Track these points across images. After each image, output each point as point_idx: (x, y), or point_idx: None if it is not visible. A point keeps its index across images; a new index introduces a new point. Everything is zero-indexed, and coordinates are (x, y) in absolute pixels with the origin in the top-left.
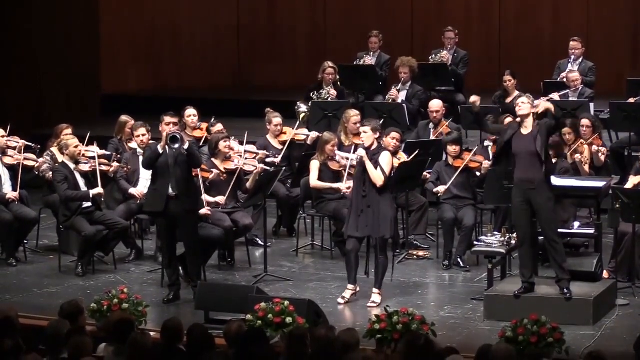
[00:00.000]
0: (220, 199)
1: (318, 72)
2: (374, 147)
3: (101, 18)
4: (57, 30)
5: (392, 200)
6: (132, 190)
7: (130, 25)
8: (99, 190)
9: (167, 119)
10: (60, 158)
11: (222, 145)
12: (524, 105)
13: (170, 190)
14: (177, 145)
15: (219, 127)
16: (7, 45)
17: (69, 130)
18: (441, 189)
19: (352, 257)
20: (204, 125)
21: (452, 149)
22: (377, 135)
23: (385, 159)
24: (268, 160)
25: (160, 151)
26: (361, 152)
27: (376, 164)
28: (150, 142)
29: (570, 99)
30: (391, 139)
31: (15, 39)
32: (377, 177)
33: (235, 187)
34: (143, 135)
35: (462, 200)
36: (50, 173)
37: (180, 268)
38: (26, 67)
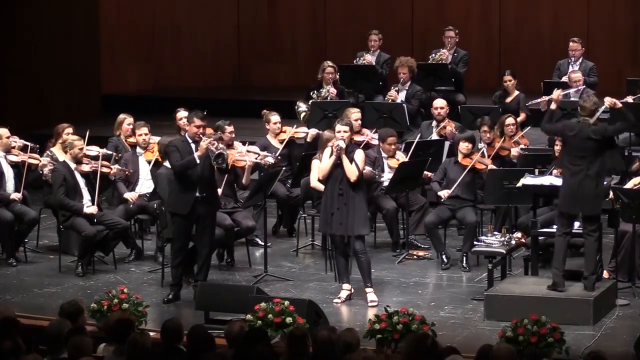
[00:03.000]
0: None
1: (318, 72)
2: (348, 145)
3: (101, 18)
4: (57, 30)
5: (366, 197)
6: (126, 195)
7: (130, 25)
8: (92, 209)
9: (198, 121)
10: (61, 157)
11: None
12: None
13: (198, 193)
14: (220, 161)
15: (231, 128)
16: (7, 45)
17: (70, 130)
18: (445, 193)
19: (339, 255)
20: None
21: (465, 145)
22: (351, 134)
23: (359, 156)
24: (267, 159)
25: (198, 161)
26: (341, 143)
27: (351, 161)
28: (173, 138)
29: (572, 99)
30: (388, 144)
31: (16, 39)
32: (352, 172)
33: (231, 184)
34: (145, 134)
35: (462, 201)
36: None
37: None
38: (26, 67)
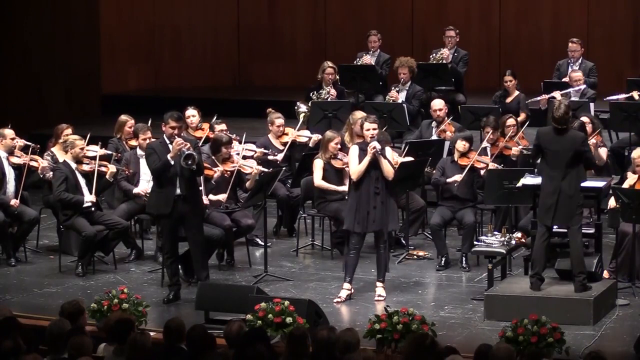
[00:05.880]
0: (222, 197)
1: (318, 72)
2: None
3: (101, 18)
4: (57, 30)
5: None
6: (136, 190)
7: (130, 25)
8: (92, 197)
9: (173, 122)
10: (61, 158)
11: (223, 150)
12: None
13: (178, 191)
14: (190, 162)
15: (222, 127)
16: (7, 45)
17: (69, 130)
18: (457, 177)
19: (355, 254)
20: (206, 125)
21: (462, 144)
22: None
23: (389, 153)
24: (270, 157)
25: (172, 162)
26: (376, 144)
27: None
28: (152, 141)
29: (572, 98)
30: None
31: (16, 39)
32: (390, 171)
33: (234, 186)
34: (149, 138)
35: (461, 202)
36: (51, 173)
37: (179, 268)
38: (26, 67)
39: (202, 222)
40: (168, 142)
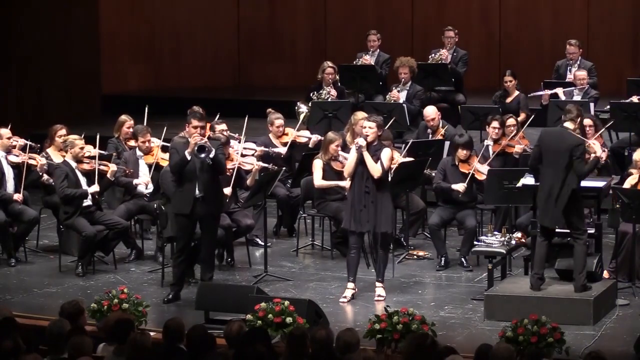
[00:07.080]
0: (227, 190)
1: (318, 72)
2: (375, 142)
3: (101, 18)
4: (57, 30)
5: (390, 196)
6: (136, 181)
7: (130, 25)
8: (95, 188)
9: (195, 122)
10: (56, 158)
11: None
12: None
13: (197, 192)
14: (203, 155)
15: (223, 127)
16: (7, 45)
17: (63, 131)
18: (460, 187)
19: (355, 254)
20: (206, 125)
21: (463, 153)
22: (380, 132)
23: (386, 154)
24: (275, 150)
25: (189, 158)
26: (361, 141)
27: (377, 159)
28: (172, 142)
29: (575, 98)
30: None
31: (15, 38)
32: (375, 169)
33: (234, 185)
34: (149, 140)
35: (462, 203)
36: (45, 176)
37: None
38: (26, 67)
39: (218, 224)
40: None
